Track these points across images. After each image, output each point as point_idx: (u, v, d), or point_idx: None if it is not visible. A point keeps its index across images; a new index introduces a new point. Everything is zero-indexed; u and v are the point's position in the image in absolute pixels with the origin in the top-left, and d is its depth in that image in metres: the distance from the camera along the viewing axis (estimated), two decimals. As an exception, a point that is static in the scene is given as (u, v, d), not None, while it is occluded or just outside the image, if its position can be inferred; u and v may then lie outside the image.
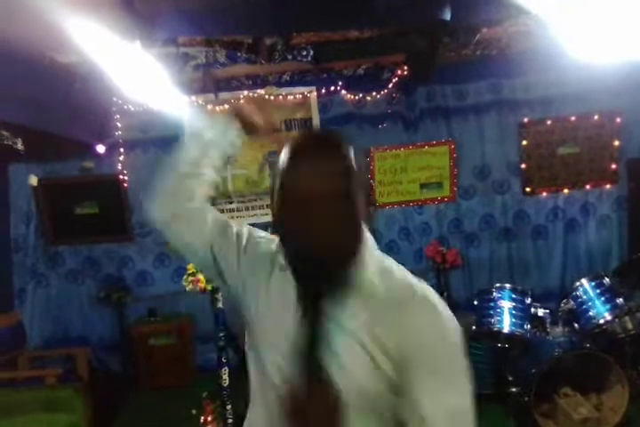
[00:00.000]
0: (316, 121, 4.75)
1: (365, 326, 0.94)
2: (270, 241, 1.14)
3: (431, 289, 1.00)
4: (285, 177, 0.94)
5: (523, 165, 4.77)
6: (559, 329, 3.37)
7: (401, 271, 1.02)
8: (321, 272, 0.92)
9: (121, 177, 4.65)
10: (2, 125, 3.38)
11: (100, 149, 4.49)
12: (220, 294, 3.07)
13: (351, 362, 0.93)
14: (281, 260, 1.03)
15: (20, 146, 3.63)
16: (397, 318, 0.94)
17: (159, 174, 1.20)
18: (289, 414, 0.87)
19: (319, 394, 0.87)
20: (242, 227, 1.19)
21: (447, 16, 2.70)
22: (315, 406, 0.86)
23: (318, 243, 0.90)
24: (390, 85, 4.60)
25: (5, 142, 3.47)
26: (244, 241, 1.15)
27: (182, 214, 1.16)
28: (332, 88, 4.65)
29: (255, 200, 4.73)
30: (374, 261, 1.00)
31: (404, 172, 4.77)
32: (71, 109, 3.73)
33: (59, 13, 2.22)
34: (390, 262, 1.03)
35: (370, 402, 0.94)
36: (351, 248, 0.95)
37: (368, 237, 1.01)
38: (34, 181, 4.56)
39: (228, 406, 3.08)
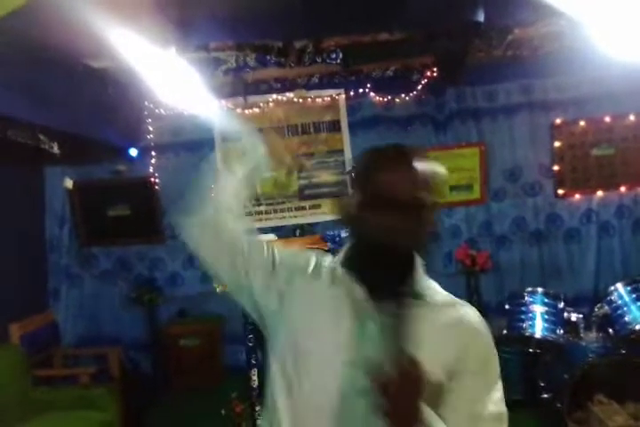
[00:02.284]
0: (345, 124, 4.76)
1: (423, 334, 0.97)
2: (310, 258, 1.19)
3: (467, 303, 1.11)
4: (378, 180, 1.03)
5: (555, 167, 4.69)
6: (593, 334, 3.31)
7: (442, 290, 1.13)
8: (393, 265, 1.02)
9: (152, 180, 4.73)
10: (39, 130, 3.47)
11: (133, 152, 4.58)
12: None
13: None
14: (335, 274, 1.11)
15: (55, 149, 3.71)
16: (449, 329, 1.04)
17: (194, 195, 1.23)
18: (377, 389, 0.89)
19: (408, 373, 0.90)
20: (274, 247, 1.23)
21: (481, 18, 2.67)
22: (403, 384, 0.89)
23: (398, 239, 1.00)
24: (419, 87, 4.58)
25: (42, 146, 3.56)
26: (278, 258, 1.19)
27: (214, 236, 1.20)
28: (361, 90, 4.65)
29: (283, 203, 4.75)
30: (424, 275, 1.10)
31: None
32: (104, 114, 3.82)
33: (95, 20, 2.27)
34: (433, 281, 1.13)
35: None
36: (420, 251, 1.06)
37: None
38: (69, 183, 4.68)
39: (258, 407, 3.09)
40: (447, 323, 1.04)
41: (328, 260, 1.18)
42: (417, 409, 0.90)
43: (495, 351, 1.06)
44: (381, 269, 1.03)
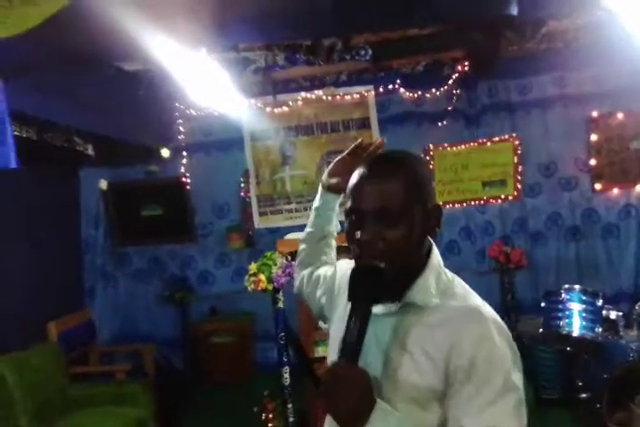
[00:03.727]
0: (374, 121, 4.72)
1: (417, 338, 1.01)
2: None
3: (492, 311, 1.03)
4: (349, 195, 1.06)
5: (592, 161, 4.56)
6: (633, 333, 3.21)
7: (464, 292, 1.07)
8: (371, 280, 1.00)
9: (184, 180, 4.79)
10: (74, 132, 3.55)
11: (165, 153, 4.64)
12: (280, 293, 3.10)
13: (398, 364, 1.01)
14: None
15: (90, 151, 3.80)
16: (449, 335, 0.98)
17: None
18: (322, 389, 0.94)
19: (350, 374, 0.94)
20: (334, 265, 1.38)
21: (514, 11, 2.60)
22: (345, 383, 0.92)
23: (369, 252, 1.01)
24: (450, 82, 4.51)
25: (77, 148, 3.64)
26: (335, 276, 1.32)
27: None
28: (390, 87, 4.60)
29: (313, 201, 4.74)
30: (437, 279, 1.06)
31: (466, 169, 4.67)
32: (136, 116, 3.88)
33: (128, 23, 2.30)
34: (457, 283, 1.09)
35: (413, 398, 0.99)
36: (403, 262, 1.03)
37: (434, 255, 1.08)
38: (104, 185, 4.77)
39: (290, 405, 3.10)
40: (444, 328, 0.99)
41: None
42: (355, 411, 0.91)
43: (503, 361, 0.97)
44: (365, 280, 1.01)
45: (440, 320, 1.01)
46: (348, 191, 1.07)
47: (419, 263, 1.06)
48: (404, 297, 1.04)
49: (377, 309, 1.03)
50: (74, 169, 4.73)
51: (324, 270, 1.40)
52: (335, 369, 0.95)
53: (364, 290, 0.99)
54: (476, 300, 1.05)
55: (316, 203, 1.45)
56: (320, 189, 1.43)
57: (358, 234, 1.01)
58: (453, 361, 0.97)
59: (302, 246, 1.51)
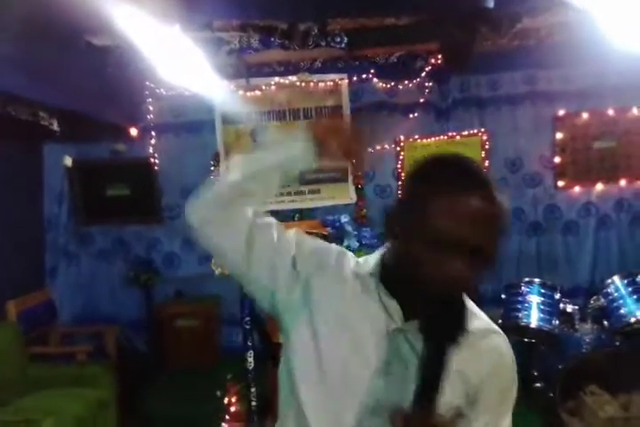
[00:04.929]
0: (347, 109, 4.72)
1: (457, 361, 0.90)
2: (335, 253, 1.04)
3: (503, 334, 1.02)
4: (436, 213, 0.84)
5: (556, 159, 4.68)
6: (588, 326, 3.33)
7: (476, 308, 1.01)
8: (452, 316, 0.88)
9: (152, 160, 4.71)
10: (38, 106, 3.44)
11: (133, 132, 4.54)
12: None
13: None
14: (365, 282, 0.97)
15: (55, 127, 3.68)
16: (487, 360, 0.97)
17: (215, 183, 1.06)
18: None
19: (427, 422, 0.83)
20: (295, 233, 1.05)
21: (491, 4, 2.63)
22: None
23: (452, 287, 0.86)
24: (423, 74, 4.54)
25: (42, 123, 3.53)
26: (306, 246, 1.03)
27: (219, 220, 1.01)
28: (364, 76, 4.61)
29: (282, 187, 4.71)
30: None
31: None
32: (105, 93, 3.78)
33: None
34: (471, 303, 1.00)
35: None
36: (473, 293, 0.95)
37: None
38: (68, 161, 4.65)
39: (253, 389, 3.12)
40: (479, 352, 0.96)
41: (351, 261, 1.02)
42: None
43: (516, 383, 1.01)
44: (430, 306, 0.88)
45: (475, 342, 0.94)
46: (422, 206, 0.85)
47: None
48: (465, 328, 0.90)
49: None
50: (38, 144, 4.59)
51: (277, 236, 1.02)
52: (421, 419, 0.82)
53: (445, 327, 0.86)
54: (488, 320, 1.02)
55: (276, 151, 1.04)
56: (301, 137, 1.00)
57: (452, 265, 0.84)
58: (486, 388, 0.96)
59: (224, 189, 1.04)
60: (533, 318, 3.29)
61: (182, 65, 3.41)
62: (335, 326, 0.95)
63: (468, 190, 0.84)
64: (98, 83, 3.66)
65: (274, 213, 1.13)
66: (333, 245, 1.08)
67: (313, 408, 0.95)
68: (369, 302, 0.95)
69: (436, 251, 0.84)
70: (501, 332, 1.01)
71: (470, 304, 0.97)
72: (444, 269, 0.84)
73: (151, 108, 4.65)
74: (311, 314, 0.97)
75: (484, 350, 0.97)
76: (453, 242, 0.83)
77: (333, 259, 1.02)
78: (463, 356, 0.89)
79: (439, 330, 0.86)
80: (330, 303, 0.97)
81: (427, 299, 0.87)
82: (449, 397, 0.88)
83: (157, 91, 4.56)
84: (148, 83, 4.48)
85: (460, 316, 0.88)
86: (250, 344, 3.13)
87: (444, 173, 0.88)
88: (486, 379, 0.96)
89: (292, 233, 1.04)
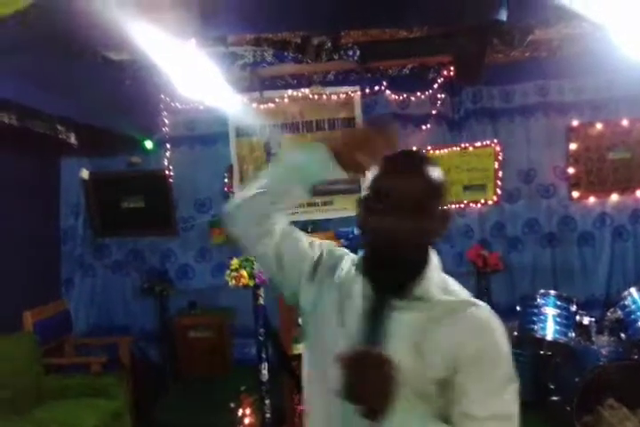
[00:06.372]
0: (360, 121, 4.75)
1: (422, 329, 1.03)
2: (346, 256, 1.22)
3: (488, 307, 1.08)
4: (383, 184, 1.04)
5: (570, 170, 4.66)
6: (605, 338, 3.29)
7: (459, 289, 1.11)
8: (391, 270, 1.03)
9: (167, 173, 4.76)
10: (56, 120, 3.50)
11: (148, 145, 4.61)
12: (261, 290, 3.11)
13: (407, 357, 1.00)
14: (351, 274, 1.14)
15: (72, 140, 3.75)
16: (453, 326, 1.02)
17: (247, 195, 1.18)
18: (346, 371, 0.91)
19: (376, 362, 0.92)
20: (315, 241, 1.25)
21: (503, 16, 2.64)
22: (371, 372, 0.90)
23: (384, 240, 1.02)
24: (435, 86, 4.56)
25: (59, 136, 3.59)
26: (319, 252, 1.21)
27: (252, 235, 1.20)
28: (377, 88, 4.63)
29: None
30: (437, 277, 1.10)
31: (447, 173, 4.64)
32: (121, 106, 3.85)
33: (116, 12, 2.29)
34: (451, 281, 1.12)
35: (416, 391, 1.00)
36: (414, 256, 1.06)
37: (434, 256, 1.12)
38: (85, 174, 4.72)
39: (267, 401, 3.11)
40: (449, 321, 1.03)
41: (350, 259, 1.20)
42: (384, 396, 0.90)
43: (505, 352, 1.03)
44: (384, 270, 1.04)
45: (445, 314, 1.03)
46: (372, 178, 1.07)
47: (424, 260, 1.09)
48: (412, 292, 1.05)
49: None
50: (55, 158, 4.67)
51: (303, 240, 1.22)
52: (364, 352, 0.93)
53: (385, 280, 1.03)
54: (470, 296, 1.10)
55: (298, 157, 1.17)
56: (322, 149, 1.13)
57: (376, 220, 1.02)
58: (461, 352, 1.00)
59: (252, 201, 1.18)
60: (549, 331, 3.26)
61: (197, 79, 3.47)
62: (331, 311, 1.13)
63: (399, 169, 1.05)
64: (114, 97, 3.73)
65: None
66: (343, 250, 1.25)
67: (307, 365, 1.19)
68: (354, 286, 1.11)
69: (368, 211, 1.04)
70: (482, 304, 1.07)
71: (443, 277, 1.11)
72: (384, 223, 1.01)
73: (166, 121, 4.71)
74: (320, 294, 1.16)
75: (460, 322, 1.02)
76: (375, 198, 1.03)
77: (343, 261, 1.20)
78: (441, 330, 1.01)
79: (383, 284, 1.03)
80: (331, 295, 1.15)
81: (374, 257, 1.06)
82: (431, 371, 1.00)
83: (172, 104, 4.63)
84: (163, 96, 4.55)
85: (409, 274, 1.05)
86: (264, 356, 3.13)
87: (388, 161, 1.08)
88: (460, 346, 1.00)
89: (314, 241, 1.24)
